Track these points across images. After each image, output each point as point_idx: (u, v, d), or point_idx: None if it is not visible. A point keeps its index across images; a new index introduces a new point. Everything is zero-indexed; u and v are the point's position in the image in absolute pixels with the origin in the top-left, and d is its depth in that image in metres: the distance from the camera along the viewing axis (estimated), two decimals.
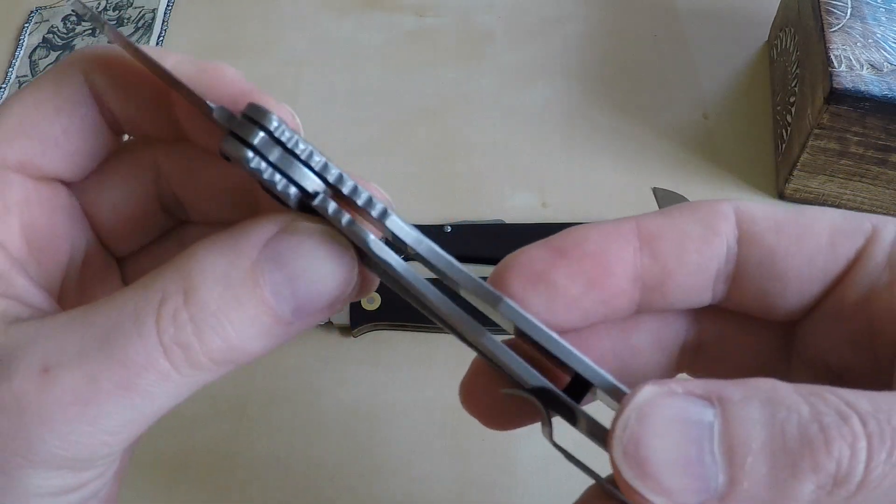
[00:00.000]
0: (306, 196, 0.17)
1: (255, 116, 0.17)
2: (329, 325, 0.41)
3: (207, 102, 0.18)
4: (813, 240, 0.18)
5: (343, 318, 0.41)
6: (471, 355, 0.21)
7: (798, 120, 0.44)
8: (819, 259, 0.18)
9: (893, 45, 0.41)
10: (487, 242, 0.44)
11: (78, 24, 0.60)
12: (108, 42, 0.20)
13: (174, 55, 0.20)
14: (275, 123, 0.17)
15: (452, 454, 0.38)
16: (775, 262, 0.19)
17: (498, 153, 0.50)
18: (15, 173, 0.20)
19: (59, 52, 0.58)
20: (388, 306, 0.41)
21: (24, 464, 0.16)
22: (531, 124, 0.51)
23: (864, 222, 0.19)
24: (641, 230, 0.19)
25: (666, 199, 0.47)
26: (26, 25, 0.60)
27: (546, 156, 0.49)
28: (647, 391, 0.15)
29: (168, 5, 0.60)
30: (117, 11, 0.60)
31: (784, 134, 0.47)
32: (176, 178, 0.23)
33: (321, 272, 0.18)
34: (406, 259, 0.18)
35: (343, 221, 0.17)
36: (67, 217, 0.21)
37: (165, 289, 0.17)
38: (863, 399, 0.14)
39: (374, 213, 0.18)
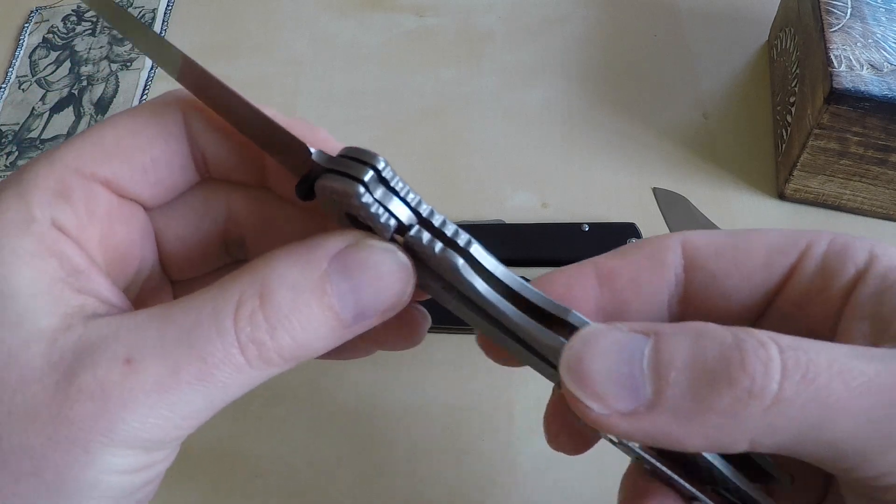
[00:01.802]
0: (401, 227, 0.20)
1: (361, 157, 0.20)
2: None
3: (308, 146, 0.20)
4: (750, 260, 0.21)
5: None
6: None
7: (798, 120, 0.44)
8: (756, 277, 0.21)
9: (893, 45, 0.41)
10: (487, 242, 0.44)
11: (78, 24, 0.60)
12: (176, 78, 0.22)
13: (269, 108, 0.22)
14: (382, 164, 0.20)
15: (452, 454, 0.38)
16: (717, 283, 0.21)
17: (498, 153, 0.50)
18: (102, 187, 0.21)
19: (58, 52, 0.58)
20: None
21: (105, 443, 0.18)
22: (531, 124, 0.51)
23: (800, 239, 0.21)
24: (599, 270, 0.22)
25: (666, 198, 0.47)
26: (26, 25, 0.60)
27: (546, 156, 0.49)
28: (594, 326, 0.18)
29: (168, 5, 0.60)
30: None
31: (784, 134, 0.47)
32: (247, 222, 0.25)
33: (382, 284, 0.20)
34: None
35: (436, 249, 0.20)
36: (140, 236, 0.23)
37: (243, 291, 0.19)
38: (786, 337, 0.17)
39: (461, 242, 0.20)
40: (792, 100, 0.46)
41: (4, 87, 0.56)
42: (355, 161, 0.20)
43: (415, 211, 0.20)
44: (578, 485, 0.37)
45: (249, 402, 0.40)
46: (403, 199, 0.20)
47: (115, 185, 0.22)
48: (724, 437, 0.16)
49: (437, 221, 0.20)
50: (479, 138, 0.50)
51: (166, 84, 0.55)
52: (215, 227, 0.25)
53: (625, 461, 0.37)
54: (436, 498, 0.36)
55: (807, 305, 0.21)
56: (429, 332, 0.42)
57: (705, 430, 0.16)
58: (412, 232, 0.20)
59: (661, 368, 0.16)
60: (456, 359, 0.40)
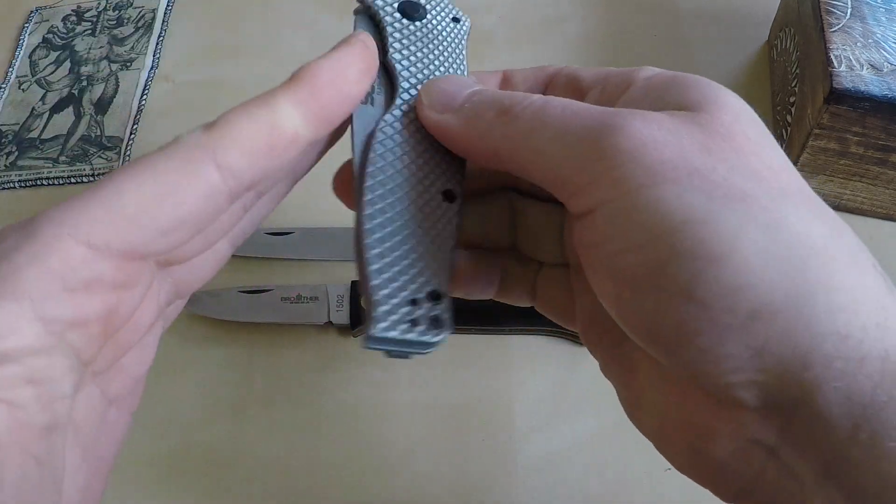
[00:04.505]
0: None
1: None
2: (329, 325, 0.41)
3: None
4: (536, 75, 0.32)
5: (343, 318, 0.41)
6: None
7: (798, 120, 0.44)
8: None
9: (893, 45, 0.41)
10: None
11: (78, 24, 0.60)
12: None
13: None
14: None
15: (452, 454, 0.38)
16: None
17: None
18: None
19: (58, 52, 0.58)
20: None
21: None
22: None
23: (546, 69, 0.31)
24: (503, 76, 0.32)
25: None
26: (26, 25, 0.60)
27: None
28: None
29: (168, 5, 0.60)
30: (117, 11, 0.60)
31: (784, 134, 0.47)
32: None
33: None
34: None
35: None
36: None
37: None
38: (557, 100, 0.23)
39: None
40: (792, 100, 0.46)
41: (4, 87, 0.56)
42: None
43: None
44: (578, 484, 0.37)
45: (247, 404, 0.40)
46: None
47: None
48: (483, 137, 0.23)
49: None
50: None
51: (166, 84, 0.55)
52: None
53: (625, 464, 0.37)
54: (436, 498, 0.37)
55: None
56: None
57: (477, 130, 0.23)
58: None
59: (473, 97, 0.24)
60: (456, 359, 0.40)
